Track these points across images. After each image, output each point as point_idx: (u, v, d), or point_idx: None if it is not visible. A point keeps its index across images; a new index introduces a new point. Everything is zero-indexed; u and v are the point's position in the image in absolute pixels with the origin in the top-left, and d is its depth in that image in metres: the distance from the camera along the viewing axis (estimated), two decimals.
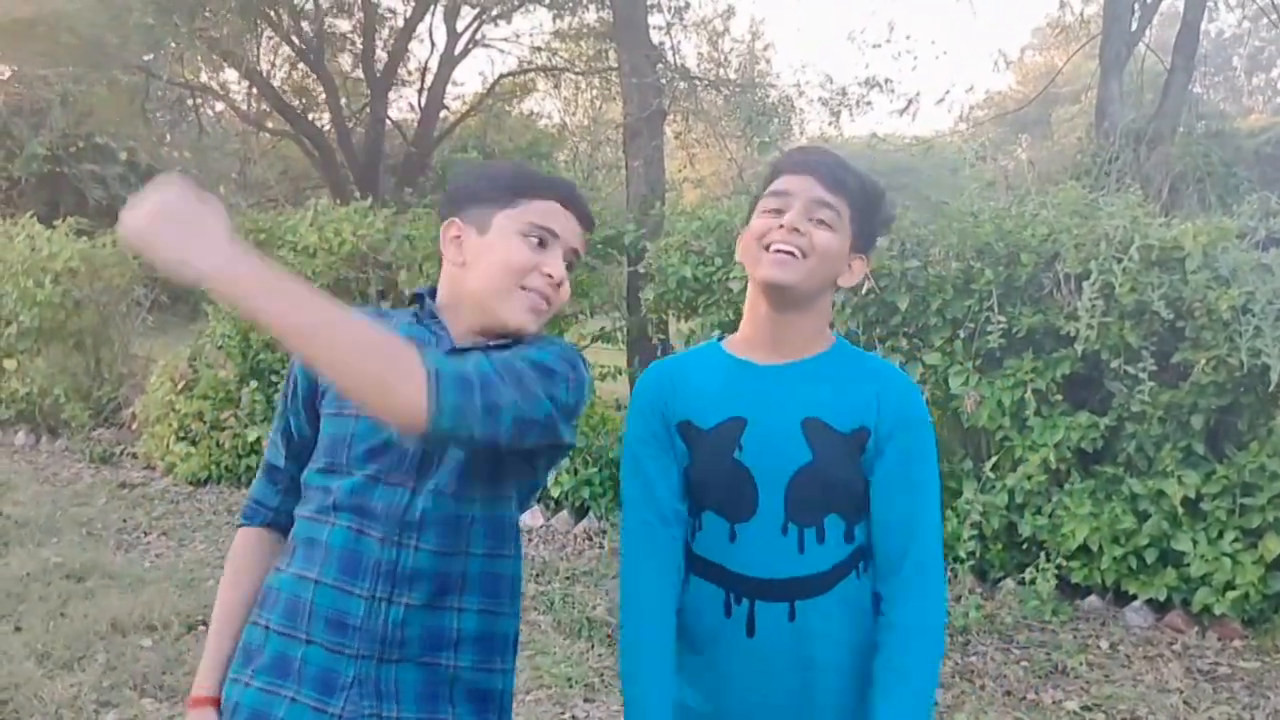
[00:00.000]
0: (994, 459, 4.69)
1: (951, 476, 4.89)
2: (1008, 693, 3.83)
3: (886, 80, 8.33)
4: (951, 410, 4.78)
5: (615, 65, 8.18)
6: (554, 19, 10.08)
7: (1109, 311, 4.20)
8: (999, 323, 4.42)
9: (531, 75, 13.64)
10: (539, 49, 12.24)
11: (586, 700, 3.71)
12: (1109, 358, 4.28)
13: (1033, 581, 4.47)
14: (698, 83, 6.79)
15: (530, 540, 5.59)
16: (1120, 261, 4.12)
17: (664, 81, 6.14)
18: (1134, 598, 4.47)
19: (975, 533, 4.65)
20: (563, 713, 3.61)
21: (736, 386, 1.67)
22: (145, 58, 9.61)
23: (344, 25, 10.98)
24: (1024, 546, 4.65)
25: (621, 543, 1.73)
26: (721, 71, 9.67)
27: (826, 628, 1.65)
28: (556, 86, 13.30)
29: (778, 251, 1.60)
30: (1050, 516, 4.54)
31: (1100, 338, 4.22)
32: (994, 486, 4.65)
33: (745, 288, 5.05)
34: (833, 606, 1.65)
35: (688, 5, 8.07)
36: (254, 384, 6.65)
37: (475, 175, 1.62)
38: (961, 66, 29.35)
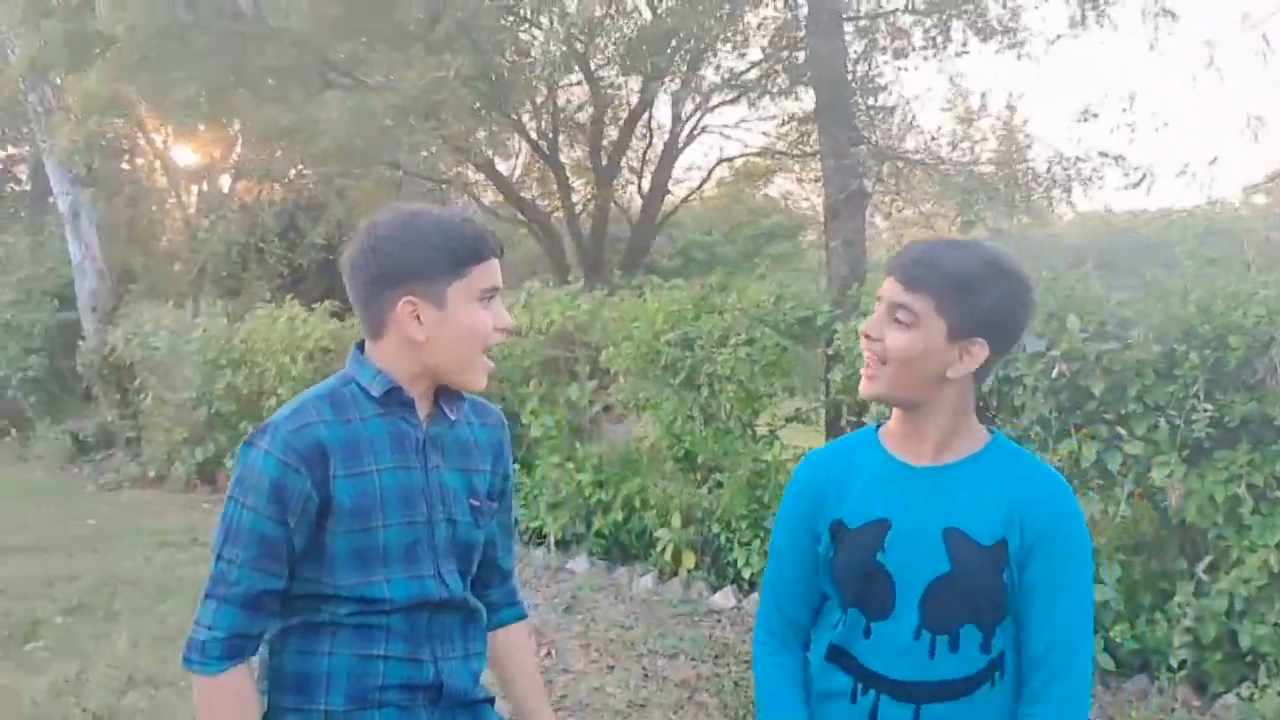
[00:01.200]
0: (1208, 559, 4.29)
1: (1163, 577, 4.52)
2: None
3: (1119, 157, 7.92)
4: (1159, 505, 4.43)
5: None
6: (748, 106, 10.30)
7: None
8: (1206, 411, 4.07)
9: (763, 159, 13.86)
10: (767, 135, 12.48)
11: None
12: None
13: (1252, 698, 4.03)
14: (899, 163, 6.71)
15: (718, 622, 5.57)
16: None
17: (865, 162, 6.11)
18: None
19: (1190, 639, 4.25)
20: None
21: (886, 486, 1.69)
22: (401, 155, 10.55)
23: (579, 117, 11.64)
24: (1247, 658, 4.21)
25: (756, 635, 1.82)
26: (977, 149, 9.52)
27: None
28: (782, 170, 13.46)
29: (866, 363, 1.66)
30: (1274, 626, 4.09)
31: None
32: (1210, 590, 4.25)
33: None
34: (962, 716, 1.64)
35: (885, 88, 8.04)
36: None
37: (416, 246, 1.62)
38: (1217, 137, 27.19)
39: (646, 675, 4.75)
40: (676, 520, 6.16)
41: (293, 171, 12.76)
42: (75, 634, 5.30)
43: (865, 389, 1.66)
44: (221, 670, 1.58)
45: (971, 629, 1.62)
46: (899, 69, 8.29)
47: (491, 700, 1.83)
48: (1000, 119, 11.48)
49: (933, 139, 8.35)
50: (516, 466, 6.83)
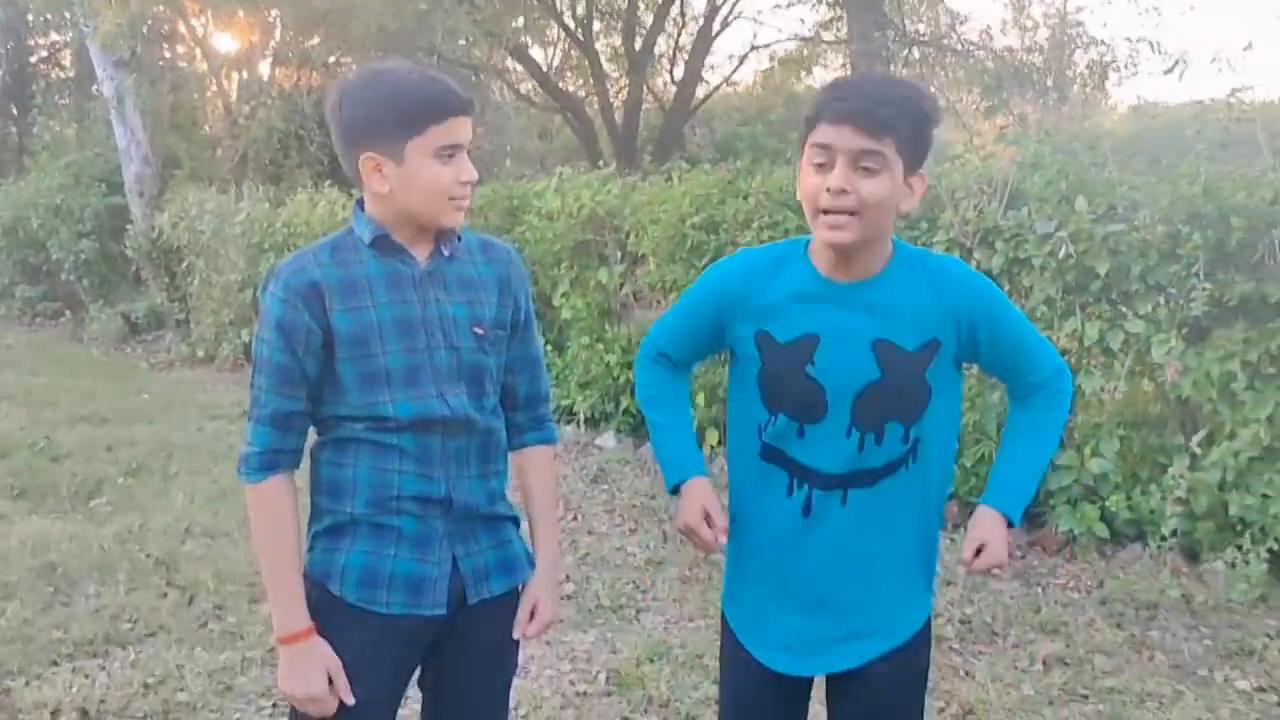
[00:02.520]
0: (1203, 433, 4.47)
1: (1161, 451, 4.71)
2: (1176, 666, 3.72)
3: (1157, 42, 7.83)
4: (1158, 382, 4.61)
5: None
6: None
7: None
8: (1205, 290, 4.21)
9: (800, 45, 13.74)
10: (803, 21, 12.34)
11: None
12: None
13: (1235, 564, 4.26)
14: (929, 49, 6.71)
15: None
16: None
17: (889, 48, 6.14)
18: None
19: (1182, 510, 4.46)
20: None
21: (813, 304, 1.83)
22: (437, 41, 10.59)
23: (610, 4, 11.57)
24: (1235, 528, 4.42)
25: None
26: (1029, 36, 9.38)
27: (874, 514, 1.87)
28: (821, 59, 13.33)
29: (830, 214, 1.72)
30: (1262, 497, 4.29)
31: None
32: (1203, 463, 4.44)
33: (948, 251, 5.03)
34: (881, 496, 1.87)
35: None
36: None
37: (374, 104, 1.75)
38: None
39: (665, 538, 5.06)
40: (701, 399, 6.39)
41: (331, 59, 12.82)
42: (136, 493, 5.70)
43: (836, 238, 1.73)
44: (262, 479, 1.85)
45: (895, 424, 1.83)
46: None
47: (516, 521, 2.04)
48: (1054, 6, 11.20)
49: (961, 24, 8.26)
50: (548, 347, 7.13)
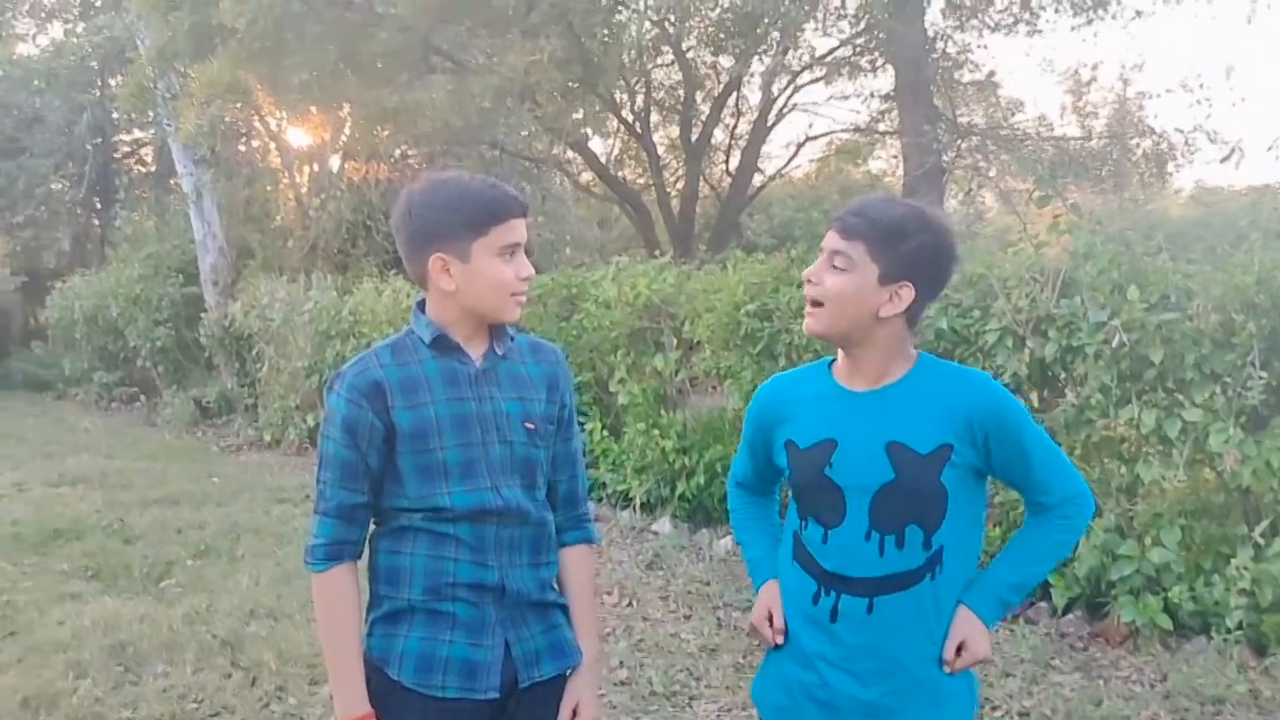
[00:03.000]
0: (1265, 523, 4.41)
1: (1224, 541, 4.64)
2: None
3: (1213, 131, 7.86)
4: (1217, 470, 4.56)
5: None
6: (826, 85, 10.41)
7: None
8: (1262, 379, 4.19)
9: (855, 136, 13.94)
10: (857, 112, 12.58)
11: None
12: None
13: None
14: (979, 139, 6.82)
15: None
16: None
17: (942, 139, 6.26)
18: None
19: (1247, 601, 4.38)
20: None
21: (831, 411, 1.98)
22: (499, 135, 10.96)
23: (671, 97, 11.89)
24: None
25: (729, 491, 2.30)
26: (1088, 123, 9.47)
27: (902, 623, 1.93)
28: (880, 146, 13.52)
29: (808, 303, 1.94)
30: None
31: None
32: (1268, 554, 4.37)
33: (1000, 339, 5.06)
34: (907, 604, 1.93)
35: (964, 64, 8.08)
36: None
37: (442, 210, 1.90)
38: None
39: (720, 624, 5.06)
40: None
41: (398, 152, 13.26)
42: (204, 574, 5.85)
43: (806, 326, 1.95)
44: (327, 569, 1.96)
45: (914, 528, 1.91)
46: (980, 46, 8.30)
47: (564, 608, 2.11)
48: (1113, 92, 11.25)
49: (1011, 114, 8.36)
50: (605, 432, 7.21)
